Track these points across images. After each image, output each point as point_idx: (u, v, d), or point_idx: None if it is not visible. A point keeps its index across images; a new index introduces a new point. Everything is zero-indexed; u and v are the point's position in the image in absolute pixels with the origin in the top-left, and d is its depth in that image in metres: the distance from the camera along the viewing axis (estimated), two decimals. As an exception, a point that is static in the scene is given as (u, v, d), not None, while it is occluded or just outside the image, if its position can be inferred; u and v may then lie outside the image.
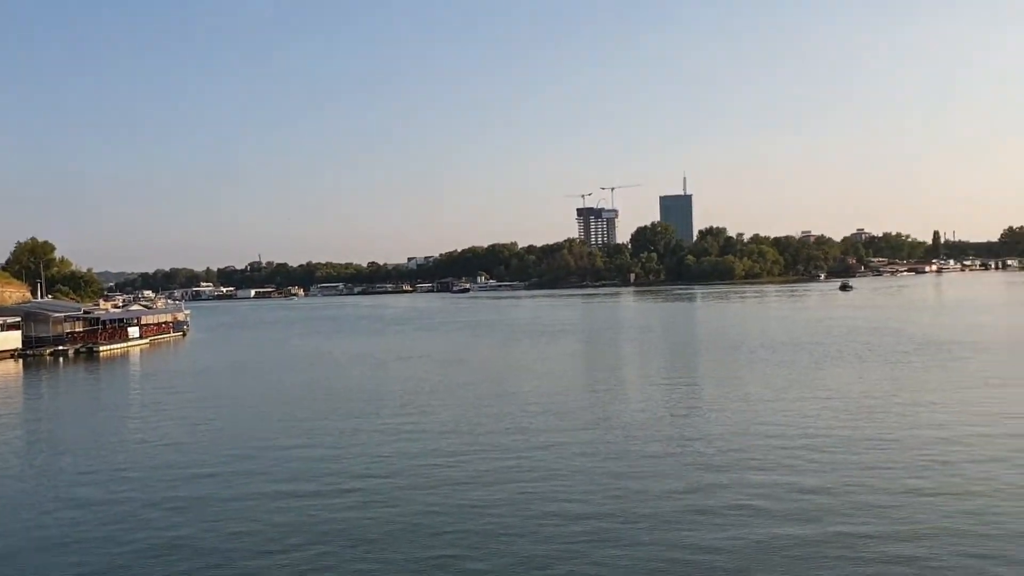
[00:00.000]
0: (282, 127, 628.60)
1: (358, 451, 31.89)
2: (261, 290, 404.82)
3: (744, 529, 20.67)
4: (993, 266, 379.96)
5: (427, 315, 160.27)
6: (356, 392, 48.95)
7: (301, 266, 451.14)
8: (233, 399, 48.55)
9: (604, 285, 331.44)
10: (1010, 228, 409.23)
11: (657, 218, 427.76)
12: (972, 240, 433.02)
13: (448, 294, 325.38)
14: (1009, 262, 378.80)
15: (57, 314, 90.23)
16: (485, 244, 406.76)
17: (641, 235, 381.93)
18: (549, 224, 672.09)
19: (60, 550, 21.17)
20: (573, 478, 26.37)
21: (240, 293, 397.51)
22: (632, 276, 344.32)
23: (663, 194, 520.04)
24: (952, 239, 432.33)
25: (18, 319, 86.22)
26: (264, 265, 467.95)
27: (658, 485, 25.22)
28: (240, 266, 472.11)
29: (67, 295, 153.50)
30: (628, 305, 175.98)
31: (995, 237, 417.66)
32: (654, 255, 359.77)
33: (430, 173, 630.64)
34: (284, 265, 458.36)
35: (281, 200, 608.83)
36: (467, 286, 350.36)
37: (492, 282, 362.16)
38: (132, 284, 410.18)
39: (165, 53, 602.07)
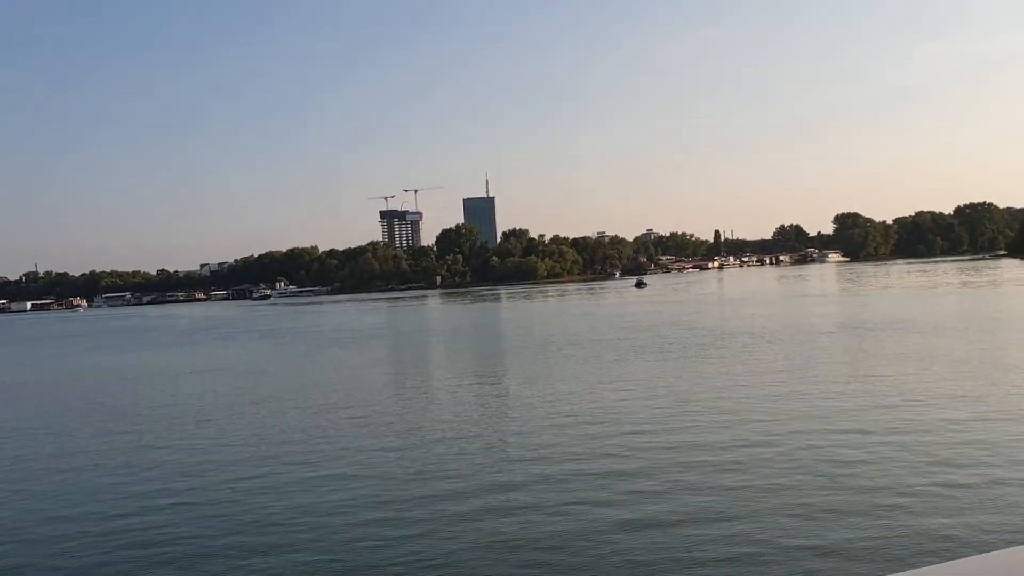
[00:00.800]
0: (51, 124, 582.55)
1: (142, 476, 28.72)
2: (39, 302, 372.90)
3: (560, 520, 19.96)
4: (768, 261, 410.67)
5: (224, 324, 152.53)
6: (144, 411, 44.81)
7: (84, 275, 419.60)
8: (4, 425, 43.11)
9: (410, 288, 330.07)
10: (781, 227, 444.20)
11: (462, 220, 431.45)
12: (749, 238, 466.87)
13: (246, 301, 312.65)
14: (781, 257, 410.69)
15: None
16: (284, 248, 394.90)
17: (446, 237, 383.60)
18: (351, 227, 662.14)
19: None
20: (377, 484, 24.85)
21: (14, 306, 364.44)
22: (438, 279, 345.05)
23: (466, 196, 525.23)
24: (731, 237, 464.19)
25: None
26: (42, 275, 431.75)
27: (468, 483, 24.22)
28: (13, 277, 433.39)
29: None
30: (435, 307, 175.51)
31: (768, 235, 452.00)
32: (460, 257, 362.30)
33: (221, 174, 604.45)
34: (64, 275, 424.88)
35: (58, 206, 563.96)
36: (268, 292, 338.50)
37: (293, 288, 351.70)
38: None
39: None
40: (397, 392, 47.40)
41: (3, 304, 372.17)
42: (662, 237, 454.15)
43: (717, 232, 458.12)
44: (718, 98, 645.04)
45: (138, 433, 37.71)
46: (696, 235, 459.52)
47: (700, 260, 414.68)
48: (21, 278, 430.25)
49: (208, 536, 21.39)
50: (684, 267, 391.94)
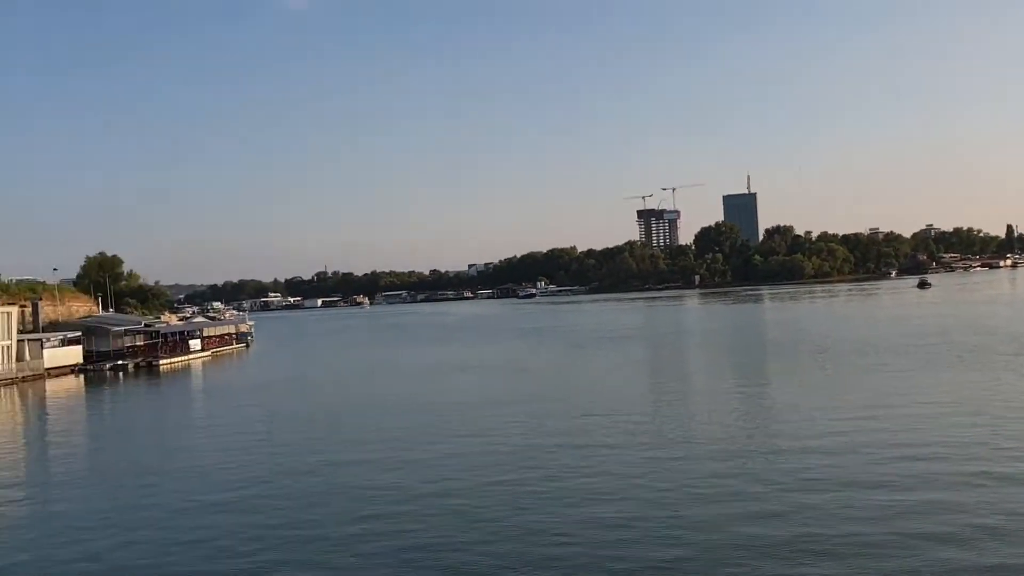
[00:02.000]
0: (344, 140, 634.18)
1: (418, 469, 28.69)
2: (327, 300, 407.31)
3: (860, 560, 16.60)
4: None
5: (488, 322, 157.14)
6: (417, 406, 45.57)
7: (366, 275, 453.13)
8: (290, 415, 45.58)
9: (667, 288, 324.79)
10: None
11: (721, 218, 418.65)
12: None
13: (511, 300, 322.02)
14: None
15: (117, 328, 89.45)
16: (544, 249, 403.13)
17: (705, 236, 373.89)
18: (609, 227, 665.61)
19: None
20: (645, 498, 22.51)
21: (307, 303, 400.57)
22: (697, 278, 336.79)
23: (726, 193, 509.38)
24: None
25: (79, 334, 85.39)
26: (330, 275, 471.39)
27: (753, 508, 21.27)
28: (307, 276, 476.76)
29: (135, 308, 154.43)
30: (694, 308, 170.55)
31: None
32: (719, 256, 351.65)
33: (487, 178, 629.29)
34: (350, 275, 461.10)
35: (346, 211, 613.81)
36: (533, 291, 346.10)
37: (552, 287, 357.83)
38: (202, 296, 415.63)
39: (230, 67, 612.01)
40: (658, 396, 44.99)
41: (298, 301, 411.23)
42: (944, 233, 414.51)
43: (1010, 227, 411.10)
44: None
45: (406, 429, 37.99)
46: (985, 231, 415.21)
47: (989, 258, 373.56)
48: (313, 278, 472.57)
49: (479, 543, 20.26)
50: (970, 266, 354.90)
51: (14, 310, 78.65)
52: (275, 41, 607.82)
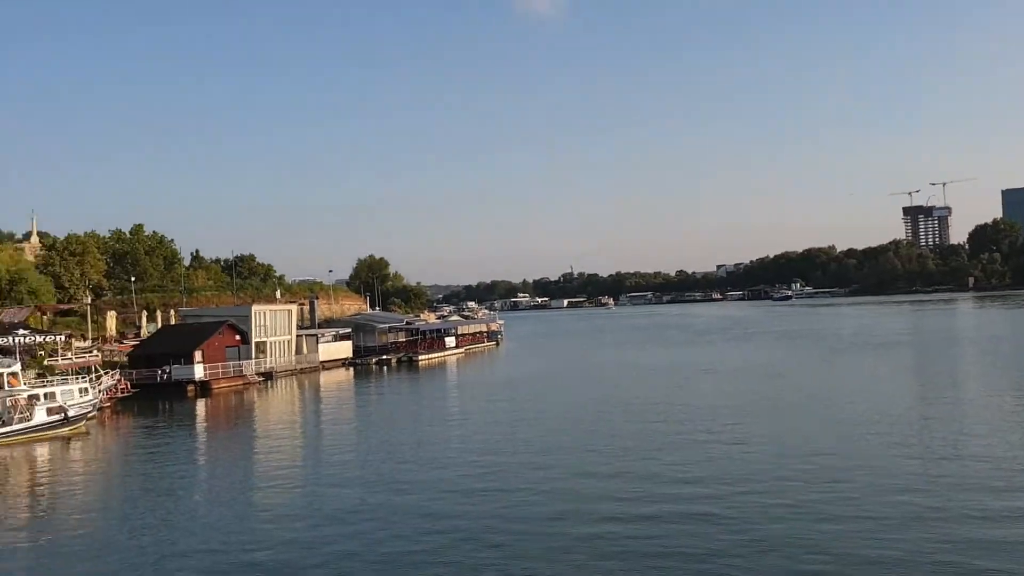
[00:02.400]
0: (592, 142, 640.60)
1: (657, 474, 27.95)
2: (573, 300, 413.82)
3: None
4: None
5: (738, 324, 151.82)
6: (660, 409, 44.69)
7: (611, 276, 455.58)
8: (535, 411, 46.43)
9: (937, 291, 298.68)
10: None
11: (999, 215, 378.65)
12: None
13: (764, 302, 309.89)
14: None
15: (382, 325, 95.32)
16: (799, 248, 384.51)
17: (980, 234, 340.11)
18: (870, 225, 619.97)
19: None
20: (927, 528, 20.27)
21: (554, 303, 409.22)
22: (970, 280, 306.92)
23: (1005, 187, 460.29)
24: None
25: (349, 330, 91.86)
26: (576, 276, 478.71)
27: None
28: (554, 277, 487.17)
29: (399, 307, 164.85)
30: (969, 312, 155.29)
31: None
32: (996, 256, 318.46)
33: (737, 175, 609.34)
34: (595, 275, 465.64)
35: (592, 212, 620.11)
36: (788, 293, 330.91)
37: (808, 289, 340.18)
38: (457, 296, 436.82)
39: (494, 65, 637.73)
40: (928, 409, 40.94)
41: (545, 301, 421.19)
42: None
43: None
44: None
45: (645, 432, 37.28)
46: None
47: None
48: (560, 278, 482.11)
49: (730, 555, 19.16)
50: None
51: (294, 308, 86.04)
52: (525, 47, 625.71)
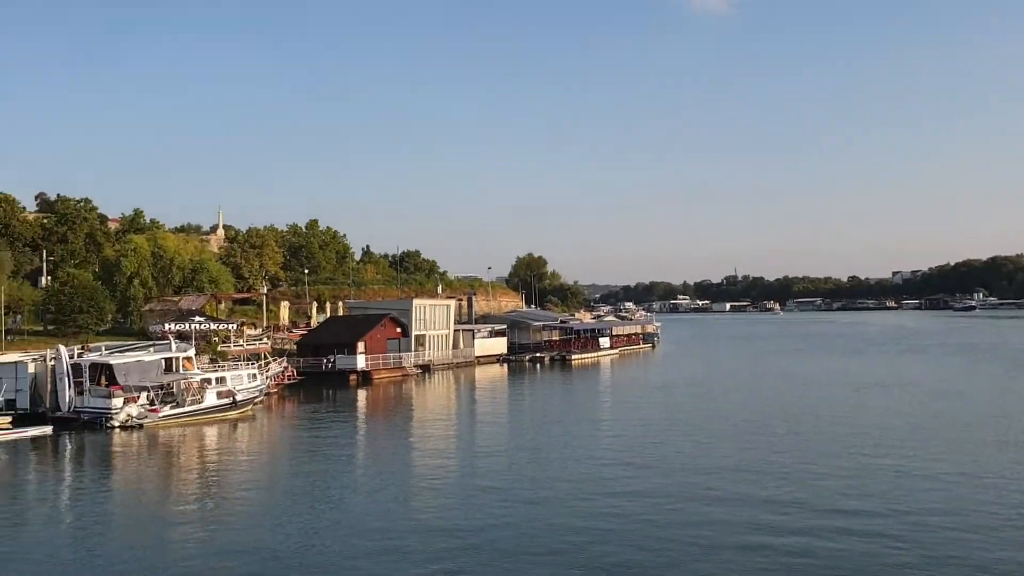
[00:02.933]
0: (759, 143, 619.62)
1: (820, 500, 25.86)
2: (736, 304, 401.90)
3: None
4: None
5: (915, 335, 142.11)
6: (818, 423, 42.06)
7: (777, 280, 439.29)
8: (689, 418, 44.89)
9: None
10: None
11: None
12: None
13: (943, 312, 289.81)
14: None
15: (536, 323, 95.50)
16: (983, 256, 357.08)
17: None
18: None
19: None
20: None
21: (715, 306, 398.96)
22: None
23: None
24: None
25: (504, 327, 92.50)
26: (740, 279, 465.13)
27: None
28: (716, 280, 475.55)
29: (555, 306, 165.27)
30: None
31: None
32: None
33: (915, 178, 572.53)
34: (760, 279, 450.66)
35: (758, 212, 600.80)
36: (972, 303, 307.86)
37: (992, 300, 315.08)
38: (615, 296, 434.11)
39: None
40: None
41: (706, 304, 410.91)
42: None
43: None
44: None
45: (810, 452, 35.01)
46: None
47: None
48: (722, 281, 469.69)
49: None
50: None
51: (452, 303, 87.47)
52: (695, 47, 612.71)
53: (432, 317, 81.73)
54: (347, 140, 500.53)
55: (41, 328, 75.25)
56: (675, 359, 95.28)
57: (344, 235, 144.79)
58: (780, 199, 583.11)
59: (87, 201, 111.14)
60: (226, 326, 64.03)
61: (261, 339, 67.57)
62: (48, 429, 43.23)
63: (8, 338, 64.70)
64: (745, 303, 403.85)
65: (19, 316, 76.48)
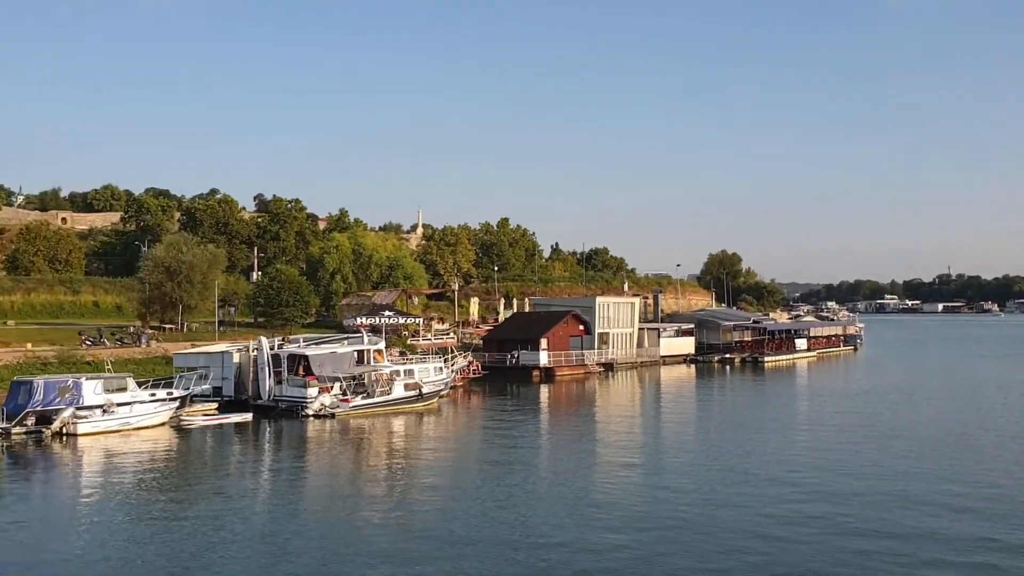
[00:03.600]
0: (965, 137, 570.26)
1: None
2: (950, 304, 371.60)
3: None
4: None
5: None
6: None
7: (996, 279, 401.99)
8: (890, 430, 41.15)
9: None
10: None
11: None
12: None
13: None
14: None
15: (727, 323, 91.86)
16: None
17: None
18: None
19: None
20: None
21: (926, 307, 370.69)
22: None
23: None
24: None
25: (692, 326, 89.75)
26: (954, 278, 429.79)
27: None
28: (927, 279, 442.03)
29: (750, 305, 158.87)
30: None
31: None
32: None
33: None
34: (976, 278, 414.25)
35: (973, 204, 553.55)
36: None
37: None
38: (816, 295, 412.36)
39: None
40: None
41: (916, 304, 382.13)
42: None
43: None
44: None
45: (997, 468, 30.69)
46: None
47: None
48: (934, 280, 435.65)
49: None
50: None
51: (637, 301, 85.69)
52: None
53: (616, 315, 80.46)
54: (536, 138, 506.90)
55: (252, 320, 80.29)
56: (879, 363, 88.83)
57: (533, 233, 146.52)
58: (1000, 191, 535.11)
59: (297, 201, 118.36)
60: (415, 320, 65.62)
61: (448, 334, 68.83)
62: (249, 416, 45.63)
63: (221, 329, 69.23)
64: (959, 304, 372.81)
65: (233, 309, 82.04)
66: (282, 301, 75.02)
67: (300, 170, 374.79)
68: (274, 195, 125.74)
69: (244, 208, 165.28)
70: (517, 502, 26.11)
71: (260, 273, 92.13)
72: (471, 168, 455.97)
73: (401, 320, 62.62)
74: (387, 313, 60.89)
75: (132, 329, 65.32)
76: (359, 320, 59.80)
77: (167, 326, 70.50)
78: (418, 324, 66.10)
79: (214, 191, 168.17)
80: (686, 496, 26.72)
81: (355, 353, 51.09)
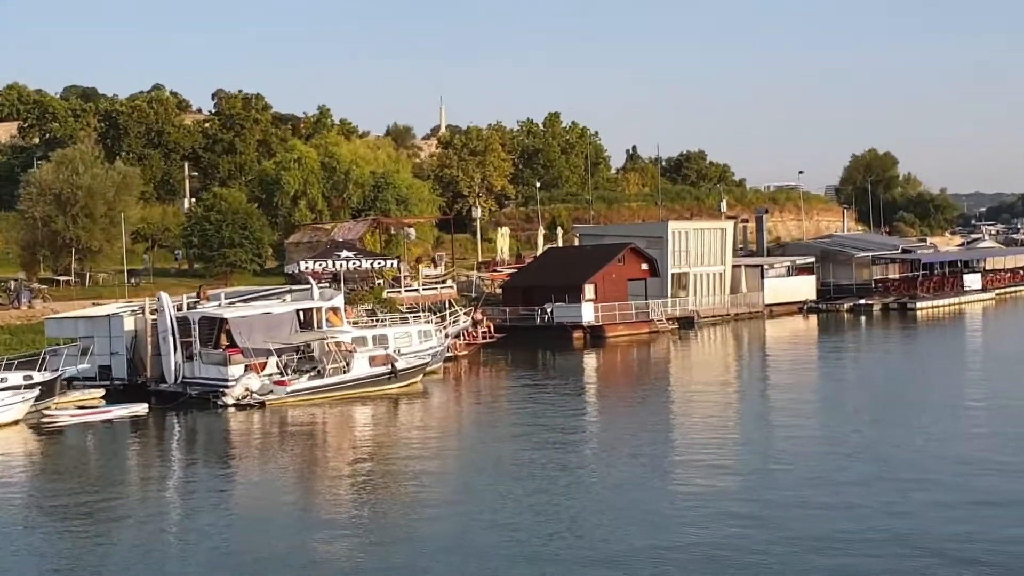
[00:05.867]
0: None
1: None
2: None
3: None
4: None
5: None
6: None
7: None
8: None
9: None
10: None
11: None
12: None
13: None
14: None
15: (863, 254, 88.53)
16: None
17: None
18: None
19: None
20: None
21: None
22: None
23: None
24: None
25: (812, 260, 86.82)
26: None
27: None
28: None
29: (909, 226, 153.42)
30: None
31: None
32: None
33: None
34: None
35: None
36: None
37: None
38: (1011, 210, 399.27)
39: None
40: None
41: None
42: None
43: None
44: None
45: None
46: None
47: None
48: None
49: None
50: None
51: (729, 226, 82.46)
52: None
53: (698, 247, 78.40)
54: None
55: (186, 267, 79.03)
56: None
57: (595, 133, 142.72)
58: None
59: (258, 98, 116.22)
60: (390, 264, 63.04)
61: (444, 281, 66.42)
62: (140, 408, 43.84)
63: (132, 281, 67.49)
64: None
65: (178, 253, 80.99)
66: (223, 240, 73.35)
67: (283, 55, 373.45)
68: (226, 90, 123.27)
69: (199, 109, 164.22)
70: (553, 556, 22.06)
71: (194, 201, 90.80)
72: (517, 51, 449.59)
73: (365, 263, 60.09)
74: (344, 254, 58.25)
75: (13, 284, 64.26)
76: (302, 265, 57.42)
77: (62, 278, 69.62)
78: (396, 268, 63.75)
79: (158, 87, 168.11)
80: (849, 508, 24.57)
81: (297, 313, 48.97)
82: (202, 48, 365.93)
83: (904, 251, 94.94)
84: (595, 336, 67.53)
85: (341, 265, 57.50)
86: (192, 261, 78.84)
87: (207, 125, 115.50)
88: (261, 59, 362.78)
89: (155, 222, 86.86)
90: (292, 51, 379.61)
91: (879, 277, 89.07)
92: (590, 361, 61.23)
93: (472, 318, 60.99)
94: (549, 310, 67.97)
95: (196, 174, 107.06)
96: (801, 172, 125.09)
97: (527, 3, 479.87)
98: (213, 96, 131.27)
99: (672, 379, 53.62)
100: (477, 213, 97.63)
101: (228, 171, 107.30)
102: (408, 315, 56.51)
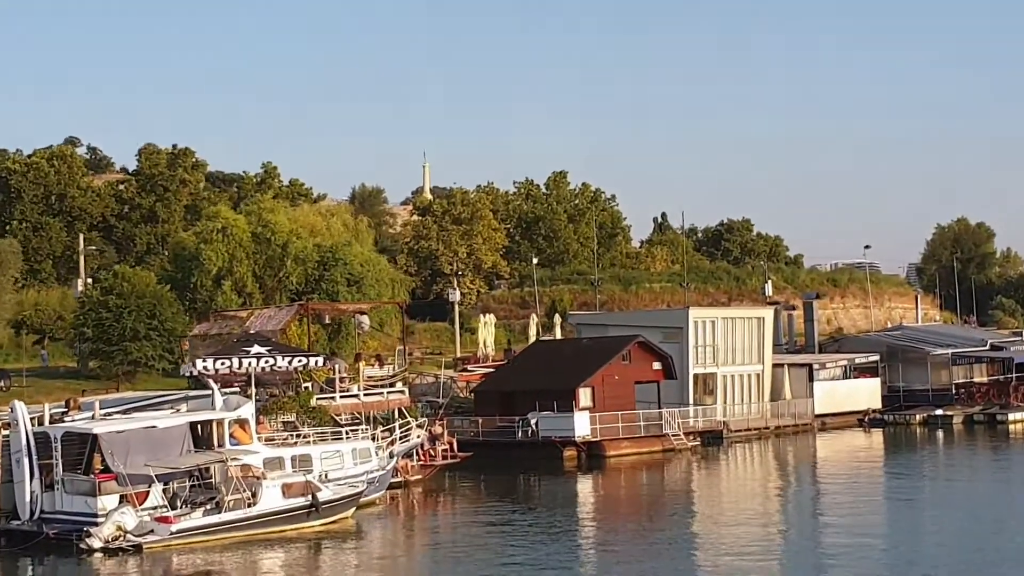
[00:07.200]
0: None
1: None
2: None
3: None
4: None
5: None
6: None
7: None
8: None
9: None
10: None
11: None
12: None
13: None
14: None
15: (939, 351, 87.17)
16: None
17: None
18: None
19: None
20: None
21: None
22: None
23: None
24: None
25: (876, 357, 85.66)
26: None
27: None
28: None
29: (1010, 316, 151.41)
30: None
31: None
32: None
33: None
34: None
35: None
36: None
37: None
38: None
39: None
40: None
41: None
42: None
43: None
44: None
45: None
46: None
47: None
48: None
49: None
50: None
51: (768, 314, 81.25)
52: None
53: (727, 341, 78.39)
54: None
55: (77, 364, 77.63)
56: None
57: (613, 197, 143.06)
58: None
59: (186, 153, 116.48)
60: (311, 361, 61.32)
61: (392, 385, 64.87)
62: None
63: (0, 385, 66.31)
64: None
65: (44, 352, 79.70)
66: (124, 331, 72.17)
67: (231, 103, 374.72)
68: (156, 145, 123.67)
69: (124, 168, 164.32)
70: None
71: (89, 282, 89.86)
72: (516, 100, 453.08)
73: (281, 362, 58.34)
74: (254, 350, 56.60)
75: None
76: (198, 365, 55.75)
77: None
78: (329, 370, 62.26)
79: (72, 141, 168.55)
80: None
81: (192, 428, 47.31)
82: (129, 93, 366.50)
83: (993, 347, 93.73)
84: (592, 456, 66.63)
85: (250, 364, 55.91)
86: (85, 358, 77.33)
87: (122, 187, 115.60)
88: (206, 106, 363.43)
89: (50, 308, 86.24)
90: (241, 99, 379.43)
91: (961, 381, 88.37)
92: (584, 490, 60.65)
93: (429, 431, 59.91)
94: (533, 421, 66.92)
95: (103, 249, 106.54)
96: (867, 247, 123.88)
97: (535, 39, 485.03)
98: (138, 153, 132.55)
99: (693, 518, 50.65)
100: (455, 296, 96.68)
101: (147, 244, 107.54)
102: (346, 428, 55.05)
